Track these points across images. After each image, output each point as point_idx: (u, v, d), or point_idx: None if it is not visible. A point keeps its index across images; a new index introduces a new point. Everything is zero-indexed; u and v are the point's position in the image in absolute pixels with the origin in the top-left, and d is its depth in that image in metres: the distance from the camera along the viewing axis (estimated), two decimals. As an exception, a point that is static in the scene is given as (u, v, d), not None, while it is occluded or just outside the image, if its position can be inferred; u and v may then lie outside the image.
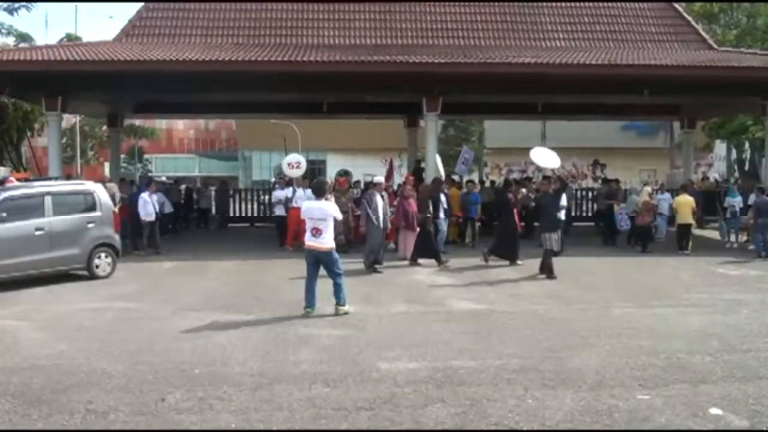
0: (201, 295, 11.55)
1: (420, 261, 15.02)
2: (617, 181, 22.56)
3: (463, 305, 10.68)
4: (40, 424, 5.70)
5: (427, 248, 15.08)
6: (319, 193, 10.20)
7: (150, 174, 47.72)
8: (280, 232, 18.76)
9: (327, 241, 9.88)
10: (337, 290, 10.01)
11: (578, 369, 7.09)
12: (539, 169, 36.48)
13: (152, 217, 16.99)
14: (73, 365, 7.30)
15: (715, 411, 5.92)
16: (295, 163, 18.25)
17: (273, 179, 22.38)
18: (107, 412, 5.92)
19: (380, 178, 16.40)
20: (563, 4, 22.08)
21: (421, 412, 5.89)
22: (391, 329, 9.02)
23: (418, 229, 15.12)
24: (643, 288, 12.26)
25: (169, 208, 21.10)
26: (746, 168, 35.94)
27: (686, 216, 17.63)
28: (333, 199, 10.93)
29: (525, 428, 5.57)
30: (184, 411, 5.95)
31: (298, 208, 17.42)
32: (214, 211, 25.67)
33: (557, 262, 13.69)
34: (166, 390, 6.46)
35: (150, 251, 16.89)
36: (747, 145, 36.60)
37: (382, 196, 14.86)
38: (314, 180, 11.70)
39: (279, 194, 19.20)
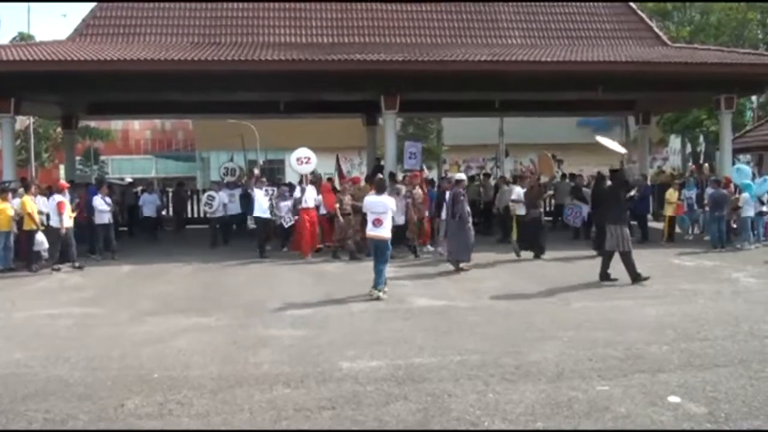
0: (159, 299, 11.40)
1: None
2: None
3: (423, 302, 10.72)
4: (-5, 433, 5.60)
5: (535, 242, 15.49)
6: (381, 189, 11.64)
7: (106, 175, 47.04)
8: (216, 236, 18.99)
9: (386, 230, 11.29)
10: (378, 275, 11.19)
11: (538, 362, 7.16)
12: (497, 165, 36.75)
13: (105, 220, 16.68)
14: (31, 374, 7.15)
15: (673, 399, 6.02)
16: (304, 158, 16.73)
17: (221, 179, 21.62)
18: (65, 420, 5.82)
19: (462, 175, 15.73)
20: (519, 2, 22.26)
21: (383, 410, 5.90)
22: (351, 328, 9.01)
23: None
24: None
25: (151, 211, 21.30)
26: (701, 161, 36.59)
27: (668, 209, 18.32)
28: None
29: (488, 426, 5.61)
30: (144, 416, 5.88)
31: (310, 209, 16.44)
32: (171, 212, 25.30)
33: (518, 258, 13.77)
34: (125, 396, 6.37)
35: (107, 255, 16.63)
36: (701, 138, 37.29)
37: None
38: (376, 178, 13.18)
39: (222, 196, 19.27)
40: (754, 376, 6.67)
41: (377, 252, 11.36)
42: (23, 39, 36.29)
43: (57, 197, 15.40)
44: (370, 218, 11.44)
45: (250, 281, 13.12)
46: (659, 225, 19.84)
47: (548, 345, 7.87)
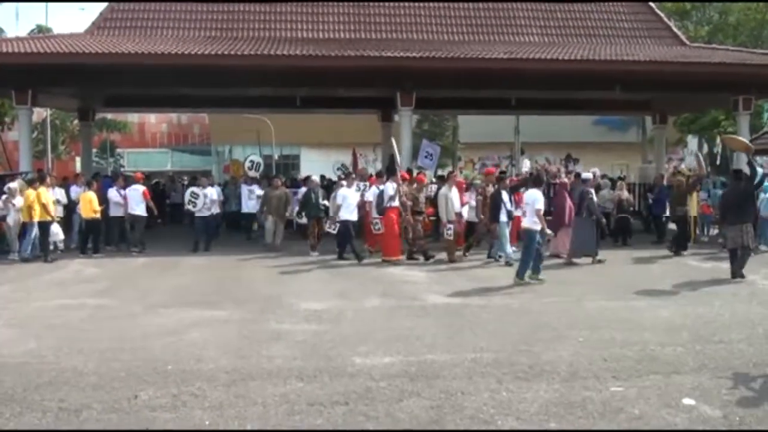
0: (173, 292, 11.46)
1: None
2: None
3: (436, 299, 10.69)
4: (12, 423, 5.60)
5: (681, 238, 16.12)
6: (536, 184, 12.81)
7: (122, 168, 47.23)
8: (204, 236, 17.04)
9: (526, 222, 12.26)
10: (520, 264, 12.13)
11: (551, 361, 7.12)
12: (513, 164, 36.61)
13: (120, 213, 16.76)
14: (44, 363, 7.19)
15: (687, 401, 5.97)
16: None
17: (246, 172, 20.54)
18: (80, 410, 5.84)
19: (589, 174, 16.05)
20: (536, 1, 22.16)
21: (396, 406, 5.88)
22: (365, 324, 9.00)
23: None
24: (617, 281, 12.36)
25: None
26: (717, 163, 36.32)
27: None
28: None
29: (501, 425, 5.59)
30: (158, 408, 5.89)
31: (396, 207, 15.08)
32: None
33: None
34: (138, 387, 6.39)
35: (122, 247, 16.73)
36: (718, 139, 37.00)
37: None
38: (532, 174, 14.59)
39: (208, 193, 17.33)
40: (770, 379, 6.61)
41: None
42: (41, 31, 36.41)
43: (139, 187, 16.92)
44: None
45: (264, 276, 13.14)
46: (673, 226, 19.70)
47: (562, 344, 7.83)
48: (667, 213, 18.75)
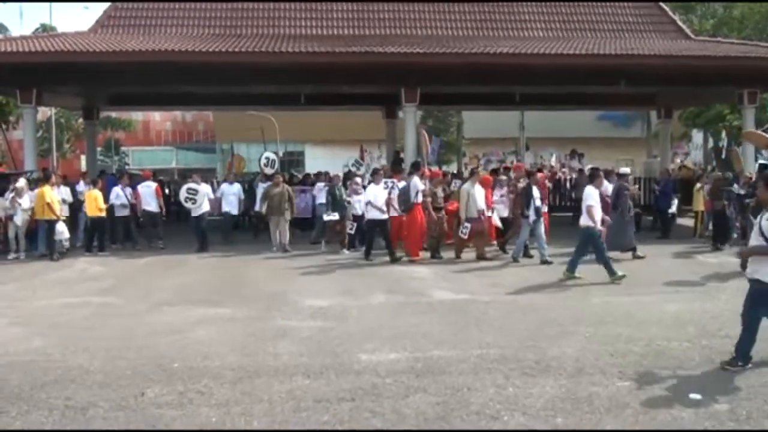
0: (178, 290, 11.46)
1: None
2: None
3: (442, 295, 10.69)
4: (18, 421, 5.62)
5: (721, 233, 16.08)
6: (593, 179, 12.72)
7: (127, 166, 47.30)
8: (205, 238, 16.42)
9: (583, 220, 11.97)
10: (603, 263, 11.81)
11: (558, 357, 7.11)
12: (518, 159, 36.53)
13: (126, 212, 16.76)
14: (50, 361, 7.22)
15: (694, 396, 5.96)
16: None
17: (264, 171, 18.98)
18: (86, 408, 5.86)
19: (626, 169, 16.08)
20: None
21: (402, 402, 5.89)
22: (371, 320, 9.00)
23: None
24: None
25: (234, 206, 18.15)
26: (723, 157, 36.13)
27: (698, 204, 18.14)
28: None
29: (507, 420, 5.58)
30: (164, 405, 5.90)
31: (419, 204, 14.71)
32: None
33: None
34: (144, 385, 6.41)
35: (127, 246, 16.74)
36: (723, 134, 36.90)
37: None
38: (594, 169, 14.05)
39: (206, 189, 17.07)
40: (776, 373, 6.59)
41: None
42: (45, 30, 36.52)
43: (151, 184, 17.18)
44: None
45: (269, 274, 13.13)
46: (681, 221, 19.71)
47: (568, 340, 7.82)
48: (673, 208, 18.71)
